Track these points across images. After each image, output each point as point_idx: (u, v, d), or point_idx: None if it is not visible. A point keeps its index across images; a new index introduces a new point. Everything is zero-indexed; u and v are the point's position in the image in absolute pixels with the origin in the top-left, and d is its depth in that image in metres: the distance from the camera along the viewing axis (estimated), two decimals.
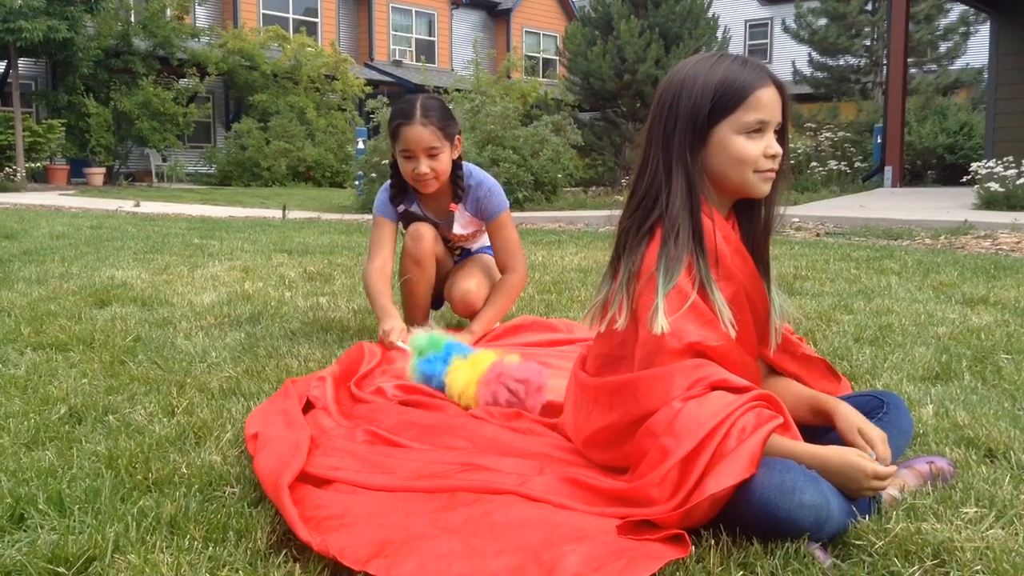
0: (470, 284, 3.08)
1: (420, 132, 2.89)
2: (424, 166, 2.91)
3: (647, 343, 1.54)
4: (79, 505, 1.52)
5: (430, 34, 26.54)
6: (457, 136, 3.01)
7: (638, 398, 1.53)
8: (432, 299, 3.24)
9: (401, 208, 3.11)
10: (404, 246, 3.09)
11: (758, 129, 1.59)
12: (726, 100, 1.58)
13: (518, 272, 3.13)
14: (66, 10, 16.84)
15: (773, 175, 1.63)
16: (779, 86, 1.62)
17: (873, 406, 1.68)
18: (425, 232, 3.05)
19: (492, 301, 3.08)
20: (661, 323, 1.52)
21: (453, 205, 3.09)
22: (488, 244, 3.25)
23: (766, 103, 1.59)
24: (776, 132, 1.62)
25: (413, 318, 3.13)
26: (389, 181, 3.12)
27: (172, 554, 1.34)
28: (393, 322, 2.85)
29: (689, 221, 1.58)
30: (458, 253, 3.30)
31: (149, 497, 1.57)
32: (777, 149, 1.61)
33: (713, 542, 1.35)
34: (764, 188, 1.63)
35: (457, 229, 3.16)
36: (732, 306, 1.58)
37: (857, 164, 16.00)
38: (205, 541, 1.39)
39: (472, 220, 3.16)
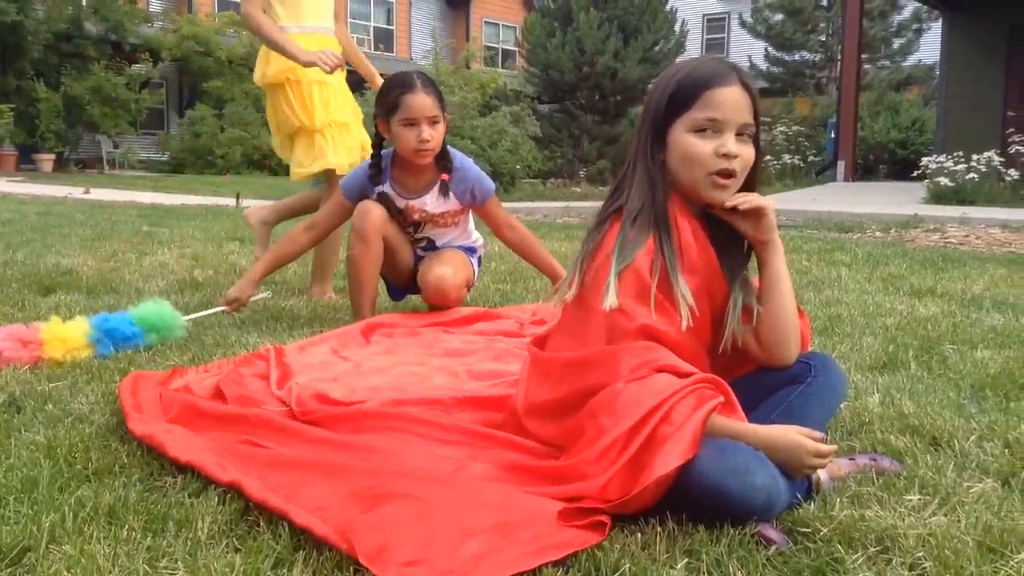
0: (445, 270, 3.04)
1: (423, 99, 2.89)
2: (427, 133, 2.89)
3: (601, 321, 1.54)
4: (15, 495, 1.48)
5: (388, 22, 26.31)
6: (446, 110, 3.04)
7: (587, 374, 1.54)
8: (402, 284, 3.22)
9: (378, 189, 3.05)
10: (352, 222, 3.04)
11: (710, 128, 1.57)
12: (680, 98, 1.58)
13: (519, 226, 3.21)
14: None
15: (728, 180, 1.58)
16: (745, 86, 1.58)
17: (801, 371, 1.66)
18: (372, 208, 3.00)
19: (538, 253, 3.18)
20: (611, 300, 1.51)
21: (445, 175, 3.04)
22: (458, 241, 3.22)
23: (721, 102, 1.56)
24: (749, 137, 1.59)
25: (359, 303, 3.06)
26: (367, 162, 3.06)
27: (109, 544, 1.31)
28: (240, 291, 3.00)
29: (651, 211, 1.57)
30: (423, 244, 3.22)
31: (88, 487, 1.53)
32: (730, 149, 1.56)
33: (660, 528, 1.35)
34: (716, 194, 1.59)
35: (430, 205, 3.07)
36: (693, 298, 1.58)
37: (811, 158, 16.22)
38: (144, 531, 1.36)
39: (452, 202, 3.09)
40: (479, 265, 3.33)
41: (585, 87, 18.33)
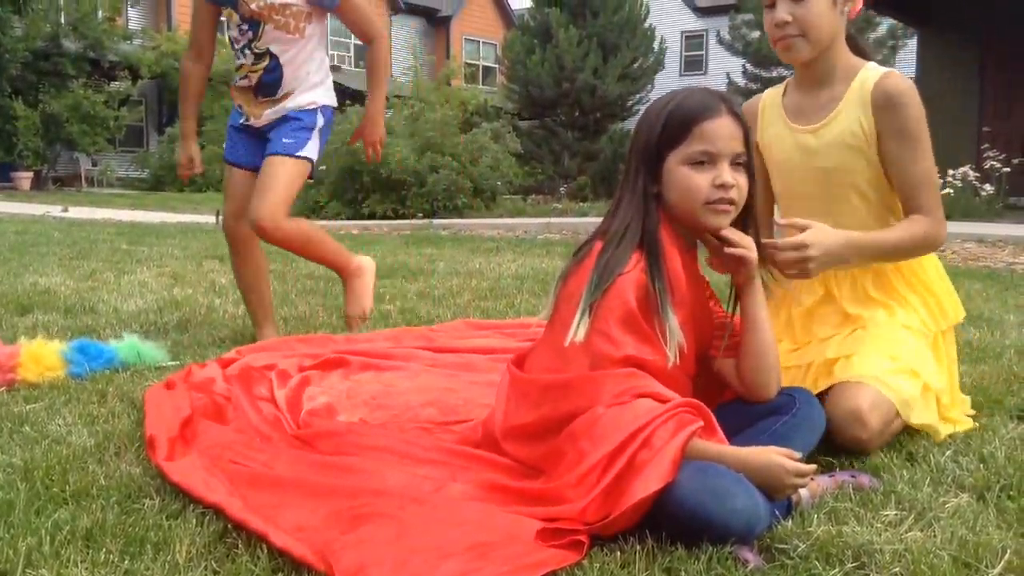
0: (255, 201, 2.83)
1: None
2: None
3: (583, 348, 1.55)
4: None
5: None
6: None
7: (568, 398, 1.55)
8: None
9: None
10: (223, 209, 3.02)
11: (705, 160, 1.60)
12: (672, 131, 1.61)
13: (381, 40, 3.00)
14: None
15: (727, 207, 1.62)
16: (736, 117, 1.61)
17: (784, 403, 1.70)
18: (235, 191, 2.98)
19: (371, 82, 2.98)
20: (579, 334, 1.53)
21: None
22: (303, 71, 2.87)
23: (713, 133, 1.59)
24: (739, 164, 1.62)
25: (258, 319, 3.05)
26: None
27: (87, 568, 1.30)
28: (186, 151, 2.95)
29: (638, 236, 1.59)
30: (265, 64, 2.85)
31: (65, 510, 1.52)
32: (727, 179, 1.59)
33: (639, 547, 1.36)
34: (717, 220, 1.63)
35: None
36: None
37: None
38: (122, 555, 1.35)
39: None
40: (322, 137, 2.94)
41: (565, 103, 18.43)
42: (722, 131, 1.60)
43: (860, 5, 1.98)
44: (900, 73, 2.02)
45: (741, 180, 1.63)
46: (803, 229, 1.81)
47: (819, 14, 1.90)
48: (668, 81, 25.39)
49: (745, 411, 1.70)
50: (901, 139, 1.94)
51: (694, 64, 26.99)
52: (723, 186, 1.60)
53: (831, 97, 2.00)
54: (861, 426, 1.76)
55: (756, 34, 20.50)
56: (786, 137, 2.07)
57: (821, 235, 1.81)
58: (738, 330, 1.73)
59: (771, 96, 2.14)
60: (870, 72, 1.98)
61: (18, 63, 17.91)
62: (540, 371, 1.66)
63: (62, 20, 19.13)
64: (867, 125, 1.96)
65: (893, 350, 1.90)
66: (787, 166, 2.08)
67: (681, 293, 1.62)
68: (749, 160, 1.64)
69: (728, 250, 1.64)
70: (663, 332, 1.56)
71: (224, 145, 3.05)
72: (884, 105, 1.94)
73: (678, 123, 1.60)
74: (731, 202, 1.62)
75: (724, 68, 23.20)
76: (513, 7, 29.22)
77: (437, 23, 28.30)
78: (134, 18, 21.92)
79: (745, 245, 1.65)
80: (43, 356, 2.45)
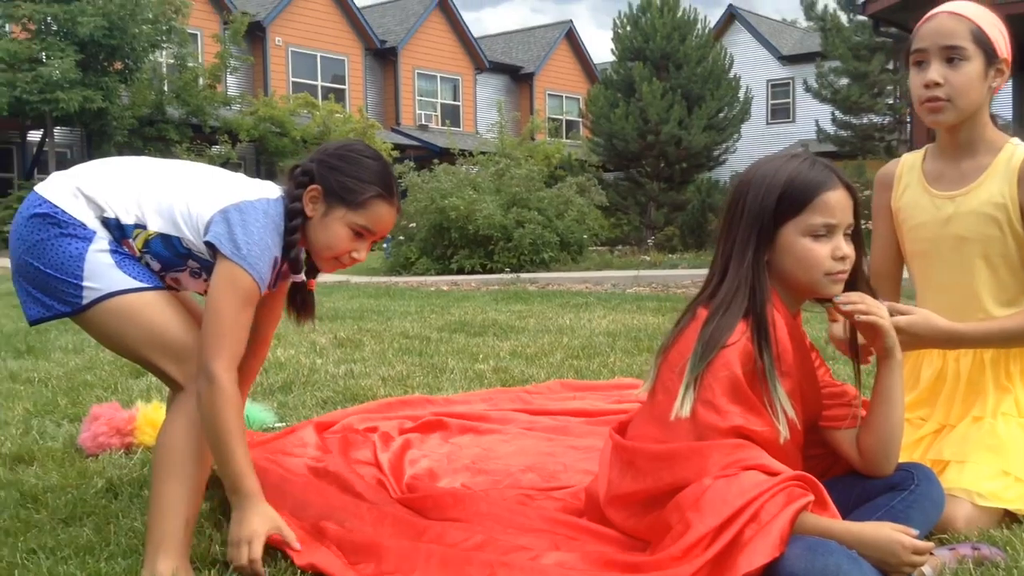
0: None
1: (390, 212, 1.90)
2: (363, 253, 1.89)
3: (689, 418, 1.54)
4: None
5: (455, 99, 26.97)
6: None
7: (674, 469, 1.55)
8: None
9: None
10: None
11: (825, 232, 1.61)
12: (791, 202, 1.61)
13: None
14: (102, 80, 17.35)
15: (844, 276, 1.64)
16: (848, 188, 1.64)
17: (902, 479, 1.67)
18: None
19: None
20: (684, 409, 1.53)
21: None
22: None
23: (833, 205, 1.60)
24: (848, 234, 1.64)
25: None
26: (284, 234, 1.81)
27: None
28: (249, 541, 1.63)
29: (744, 305, 1.59)
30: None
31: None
32: (845, 251, 1.62)
33: None
34: (835, 289, 1.64)
35: None
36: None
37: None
38: None
39: None
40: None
41: (650, 155, 18.46)
42: (840, 203, 1.61)
43: (1006, 81, 1.98)
44: None
45: (850, 250, 1.64)
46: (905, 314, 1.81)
47: (969, 81, 1.90)
48: (755, 130, 25.26)
49: (860, 485, 1.66)
50: None
51: (781, 112, 26.76)
52: (843, 258, 1.61)
53: (974, 167, 2.00)
54: (952, 530, 1.73)
55: (844, 81, 20.25)
56: (923, 202, 2.07)
57: (921, 326, 1.82)
58: (851, 399, 1.71)
59: (910, 160, 2.15)
60: (1019, 148, 1.99)
61: (125, 130, 18.90)
62: (644, 440, 1.66)
63: (166, 88, 20.16)
64: (1010, 198, 1.95)
65: (1007, 461, 1.84)
66: (921, 231, 2.07)
67: (788, 362, 1.61)
68: (857, 230, 1.66)
69: (861, 318, 1.63)
70: (771, 403, 1.55)
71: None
72: None
73: (798, 194, 1.61)
74: (846, 272, 1.63)
75: (812, 115, 22.93)
76: (595, 62, 29.56)
77: (521, 80, 28.80)
78: (232, 85, 22.93)
79: (876, 312, 1.64)
80: (159, 419, 2.55)
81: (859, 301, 1.63)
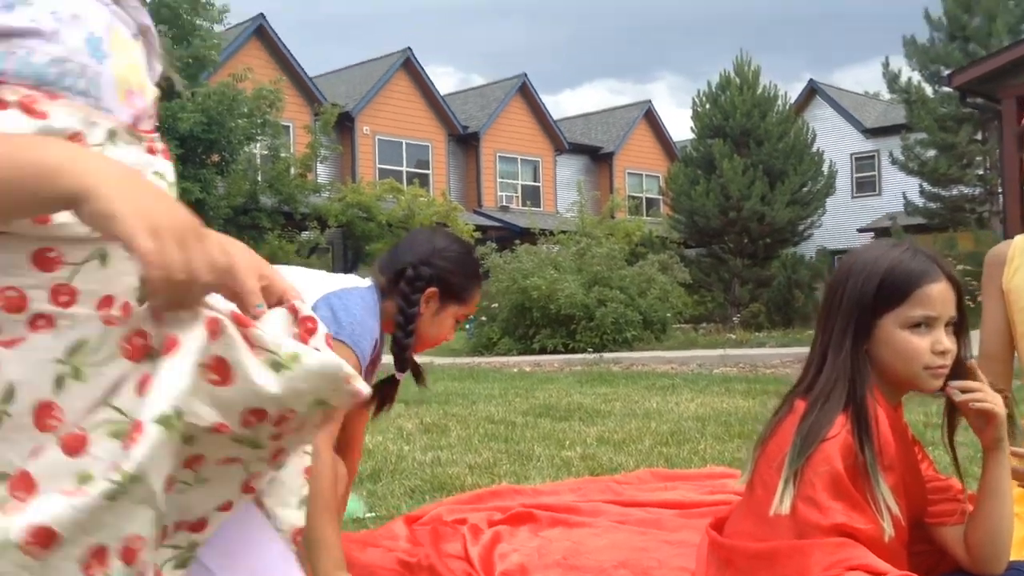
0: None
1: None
2: (452, 334, 2.07)
3: (789, 515, 1.51)
4: None
5: (535, 179, 27.38)
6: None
7: (774, 568, 1.51)
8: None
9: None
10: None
11: (925, 324, 1.58)
12: (891, 293, 1.58)
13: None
14: (199, 172, 18.20)
15: (944, 371, 1.59)
16: (951, 279, 1.60)
17: None
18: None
19: None
20: (784, 505, 1.49)
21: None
22: None
23: (934, 298, 1.57)
24: (950, 326, 1.60)
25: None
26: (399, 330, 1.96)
27: None
28: None
29: (844, 397, 1.56)
30: None
31: None
32: (946, 345, 1.58)
33: None
34: (934, 384, 1.60)
35: None
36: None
37: (980, 297, 15.40)
38: None
39: None
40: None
41: (732, 231, 18.35)
42: (942, 296, 1.58)
43: None
44: None
45: (951, 344, 1.60)
46: None
47: None
48: (840, 203, 24.90)
49: None
50: None
51: (866, 185, 26.36)
52: (943, 352, 1.58)
53: None
54: None
55: (931, 153, 19.91)
56: None
57: None
58: (957, 493, 1.65)
59: (1022, 242, 2.11)
60: None
61: (221, 219, 19.70)
62: (742, 537, 1.63)
63: (259, 178, 21.02)
64: None
65: None
66: None
67: (890, 456, 1.57)
68: (962, 321, 1.62)
69: (975, 405, 1.58)
70: (874, 499, 1.50)
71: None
72: None
73: (898, 285, 1.58)
74: (947, 366, 1.59)
75: (898, 188, 22.55)
76: (674, 140, 29.73)
77: (600, 159, 29.11)
78: (322, 173, 23.78)
79: (990, 399, 1.59)
80: None
81: (977, 388, 1.58)
